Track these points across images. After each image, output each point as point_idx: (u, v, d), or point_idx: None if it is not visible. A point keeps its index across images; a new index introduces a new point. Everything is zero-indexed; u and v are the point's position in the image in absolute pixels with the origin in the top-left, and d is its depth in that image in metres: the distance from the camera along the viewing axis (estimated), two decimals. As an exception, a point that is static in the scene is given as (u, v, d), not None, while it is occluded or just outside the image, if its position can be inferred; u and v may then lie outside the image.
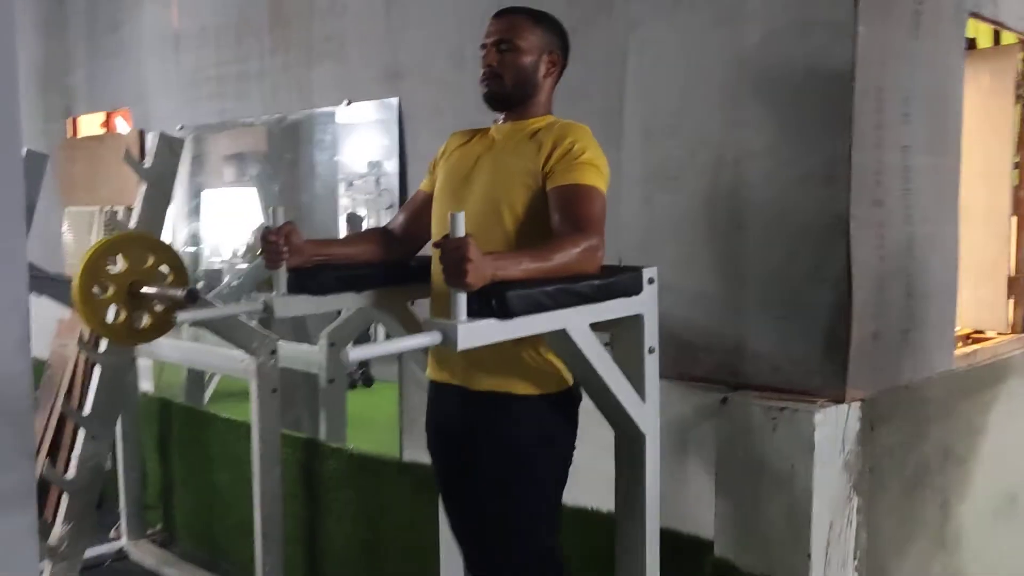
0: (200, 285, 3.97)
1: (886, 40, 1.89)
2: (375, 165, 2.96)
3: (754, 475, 1.88)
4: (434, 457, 1.89)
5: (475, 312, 1.39)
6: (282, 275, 1.73)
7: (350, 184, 3.11)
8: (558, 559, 1.82)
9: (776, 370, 1.96)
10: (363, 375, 3.82)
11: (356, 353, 1.30)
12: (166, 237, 4.03)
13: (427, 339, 1.36)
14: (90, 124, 4.46)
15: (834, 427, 1.84)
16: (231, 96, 3.40)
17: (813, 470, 1.80)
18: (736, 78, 1.98)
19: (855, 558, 1.92)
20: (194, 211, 3.92)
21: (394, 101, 2.73)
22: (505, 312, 1.40)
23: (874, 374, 1.94)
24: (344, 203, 3.17)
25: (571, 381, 1.75)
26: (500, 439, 1.72)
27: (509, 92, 1.76)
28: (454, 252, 1.34)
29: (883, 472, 1.99)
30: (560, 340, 1.57)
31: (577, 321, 1.55)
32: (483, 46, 1.78)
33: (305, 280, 1.74)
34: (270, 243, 1.68)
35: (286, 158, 3.35)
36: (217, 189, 3.90)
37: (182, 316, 1.80)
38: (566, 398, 1.76)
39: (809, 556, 1.81)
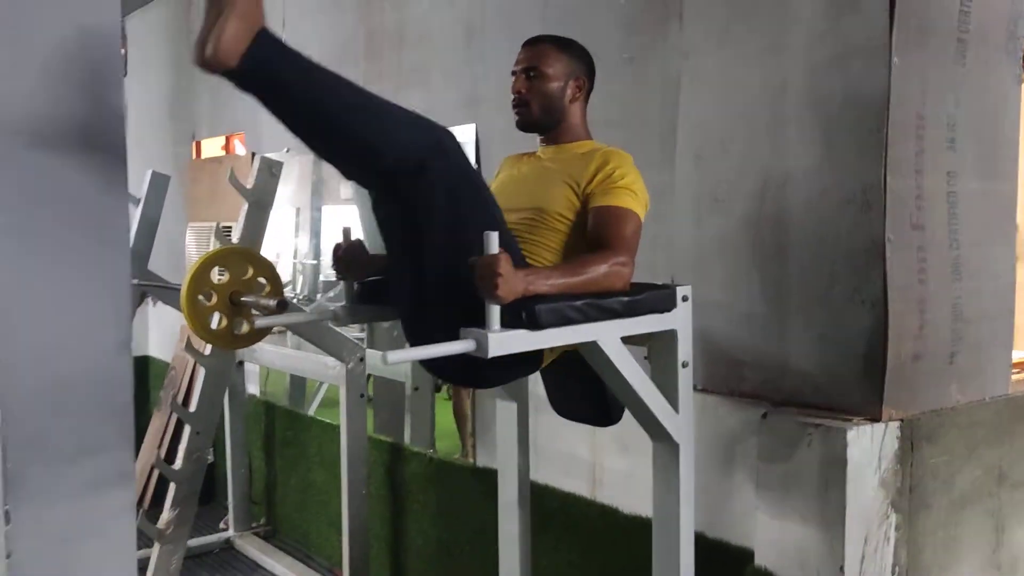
0: (319, 295, 4.27)
1: (925, 69, 1.93)
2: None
3: (791, 488, 1.95)
4: None
5: (507, 323, 1.53)
6: (350, 287, 1.92)
7: None
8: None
9: (817, 388, 2.03)
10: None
11: (394, 356, 1.46)
12: (289, 250, 4.37)
13: (461, 346, 1.51)
14: (212, 147, 4.84)
15: (869, 445, 1.89)
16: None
17: (846, 486, 1.86)
18: (780, 106, 2.06)
19: (893, 573, 1.96)
20: (315, 227, 4.21)
21: (472, 127, 2.92)
22: (534, 324, 1.54)
23: (915, 395, 1.98)
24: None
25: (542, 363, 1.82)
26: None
27: (537, 119, 1.90)
28: (486, 268, 1.47)
29: (926, 491, 2.01)
30: (593, 351, 1.69)
31: (608, 334, 1.67)
32: (513, 73, 1.93)
33: (369, 291, 1.93)
34: (340, 257, 1.88)
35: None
36: (333, 206, 4.19)
37: (259, 322, 2.01)
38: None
39: (842, 569, 1.87)
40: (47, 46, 1.72)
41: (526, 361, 1.76)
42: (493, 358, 1.49)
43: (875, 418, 1.92)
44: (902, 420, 1.95)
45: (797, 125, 2.03)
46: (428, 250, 1.63)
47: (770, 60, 2.08)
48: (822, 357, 2.01)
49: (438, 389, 3.87)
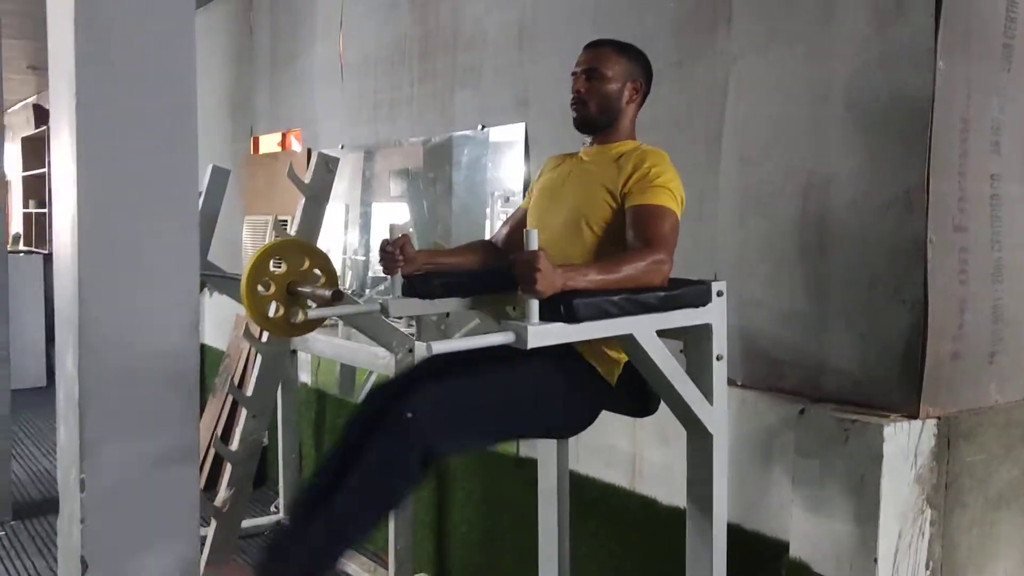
0: (368, 290, 4.39)
1: (971, 74, 1.96)
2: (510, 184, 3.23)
3: (826, 482, 1.99)
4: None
5: (546, 316, 1.60)
6: (397, 280, 2.01)
7: (506, 200, 3.38)
8: (434, 456, 1.71)
9: (856, 385, 2.07)
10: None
11: (437, 346, 1.55)
12: (339, 245, 4.49)
13: (501, 337, 1.59)
14: (269, 142, 4.99)
15: (905, 441, 1.93)
16: (384, 119, 3.78)
17: (881, 481, 1.90)
18: (825, 109, 2.10)
19: (927, 568, 1.99)
20: (365, 223, 4.33)
21: (521, 127, 3.00)
22: (572, 317, 1.61)
23: (953, 393, 2.01)
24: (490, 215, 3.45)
25: (612, 382, 1.93)
26: (536, 349, 1.68)
27: (595, 117, 1.97)
28: (525, 264, 1.55)
29: (963, 488, 2.04)
30: (629, 344, 1.76)
31: (644, 328, 1.73)
32: (573, 74, 2.01)
33: (416, 285, 2.01)
34: (387, 253, 1.97)
35: (429, 176, 3.68)
36: (383, 203, 4.30)
37: (312, 313, 2.12)
38: (601, 385, 1.91)
39: (876, 561, 1.91)
40: (132, 45, 1.83)
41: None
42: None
43: (912, 415, 1.95)
44: (939, 418, 1.98)
45: (841, 127, 2.07)
46: None
47: (815, 63, 2.12)
48: (861, 355, 2.05)
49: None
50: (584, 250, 1.90)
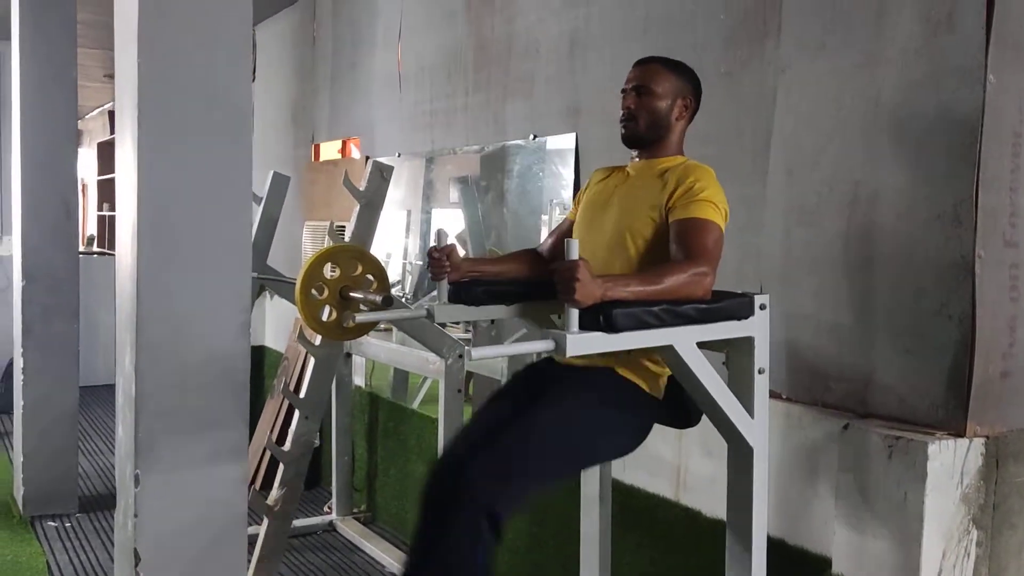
0: (426, 296, 4.45)
1: (1023, 88, 1.92)
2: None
3: (870, 499, 1.97)
4: (511, 377, 2.09)
5: (585, 325, 1.62)
6: (443, 287, 2.05)
7: (563, 208, 3.40)
8: (504, 513, 1.78)
9: (901, 401, 2.04)
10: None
11: (478, 352, 1.58)
12: (399, 251, 4.57)
13: (542, 345, 1.61)
14: (329, 150, 5.10)
15: (951, 460, 1.90)
16: (440, 127, 3.84)
17: (925, 499, 1.87)
18: (873, 121, 2.08)
19: (972, 591, 1.95)
20: (425, 229, 4.40)
21: (571, 136, 3.02)
22: (611, 327, 1.63)
23: (1003, 412, 1.97)
24: (546, 221, 3.47)
25: (660, 396, 1.94)
26: (571, 384, 1.87)
27: (643, 133, 1.99)
28: (565, 273, 1.58)
29: (1011, 511, 2.00)
30: (670, 355, 1.77)
31: (684, 339, 1.74)
32: (623, 91, 2.03)
33: (461, 292, 2.05)
34: (434, 259, 2.02)
35: (483, 184, 3.73)
36: (442, 209, 4.37)
37: (361, 317, 2.17)
38: (647, 400, 1.93)
39: (918, 581, 1.88)
40: (192, 59, 1.92)
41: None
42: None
43: (959, 434, 1.92)
44: (987, 437, 1.94)
45: (889, 140, 2.05)
46: None
47: (864, 76, 2.10)
48: (907, 371, 2.02)
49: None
50: (628, 265, 1.92)
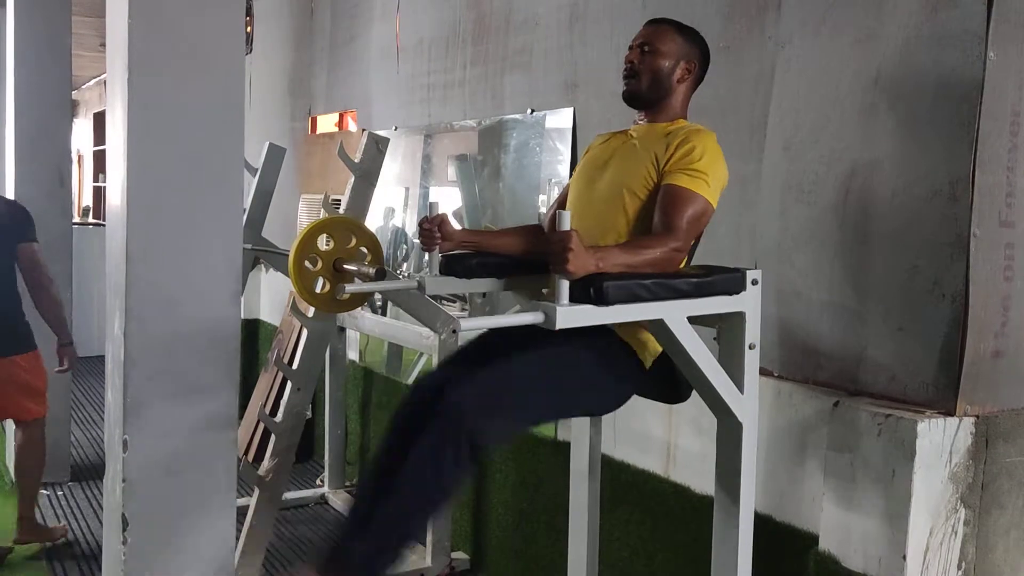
0: (423, 272, 4.44)
1: (1023, 64, 1.91)
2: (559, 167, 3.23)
3: (858, 476, 1.97)
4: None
5: (576, 298, 1.61)
6: (435, 258, 2.04)
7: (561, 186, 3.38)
8: (488, 440, 1.73)
9: (892, 380, 2.04)
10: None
11: (467, 323, 1.57)
12: (395, 227, 4.55)
13: (531, 317, 1.60)
14: (327, 122, 5.07)
15: (940, 439, 1.90)
16: (437, 101, 3.81)
17: (913, 477, 1.87)
18: (871, 98, 2.07)
19: (959, 568, 1.96)
20: (423, 206, 4.37)
21: (569, 111, 3.00)
22: (601, 300, 1.62)
23: (994, 392, 1.97)
24: (543, 200, 3.45)
25: (647, 365, 1.93)
26: (578, 331, 1.71)
27: (643, 91, 1.97)
28: (558, 244, 1.57)
29: (1000, 490, 2.00)
30: (660, 329, 1.76)
31: (675, 313, 1.73)
32: (630, 47, 2.01)
33: (453, 264, 2.04)
34: (425, 230, 2.00)
35: (479, 160, 3.71)
36: (440, 187, 4.34)
37: (352, 288, 2.16)
38: (637, 367, 1.92)
39: (905, 558, 1.88)
40: (184, 26, 1.89)
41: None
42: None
43: (949, 413, 1.92)
44: (978, 416, 1.94)
45: (887, 117, 2.04)
46: None
47: (864, 51, 2.08)
48: (899, 349, 2.02)
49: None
50: (625, 223, 1.90)
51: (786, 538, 2.20)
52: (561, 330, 1.58)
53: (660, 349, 1.94)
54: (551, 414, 2.02)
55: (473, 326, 1.63)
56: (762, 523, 1.99)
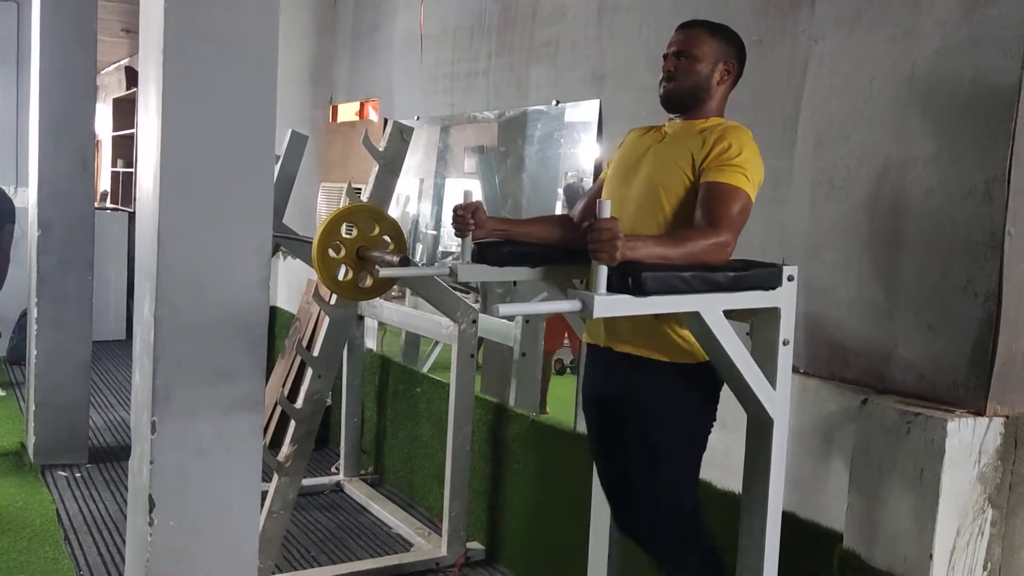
0: (452, 260, 4.44)
1: (1062, 62, 1.89)
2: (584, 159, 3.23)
3: (885, 475, 1.96)
4: (587, 415, 2.15)
5: (613, 287, 1.61)
6: (467, 245, 2.04)
7: (579, 180, 3.39)
8: (702, 527, 2.05)
9: (922, 378, 2.03)
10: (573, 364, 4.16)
11: (505, 309, 1.57)
12: (411, 218, 4.56)
13: (569, 305, 1.60)
14: (347, 111, 5.07)
15: (969, 438, 1.89)
16: (460, 91, 3.81)
17: (941, 476, 1.86)
18: (907, 94, 2.05)
19: (985, 569, 1.95)
20: (438, 197, 4.38)
21: (595, 103, 2.99)
22: (639, 290, 1.61)
23: (1024, 393, 1.96)
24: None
25: (703, 356, 1.93)
26: (638, 400, 1.94)
27: (683, 96, 1.97)
28: (604, 232, 1.55)
29: (1028, 492, 1.99)
30: (695, 321, 1.76)
31: (711, 306, 1.73)
32: (664, 55, 2.00)
33: (485, 252, 2.04)
34: (458, 216, 2.00)
35: (501, 151, 3.70)
36: (457, 178, 4.34)
37: (384, 272, 2.16)
38: (701, 371, 1.93)
39: (931, 557, 1.88)
40: (218, 14, 1.89)
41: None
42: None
43: (979, 412, 1.91)
44: (1008, 417, 1.93)
45: (922, 113, 2.02)
46: None
47: (899, 47, 2.07)
48: (929, 347, 2.01)
49: (561, 372, 4.03)
50: (657, 221, 1.90)
51: (810, 535, 2.19)
52: (637, 407, 1.91)
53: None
54: (695, 471, 2.12)
55: (511, 312, 1.63)
56: (786, 520, 1.98)
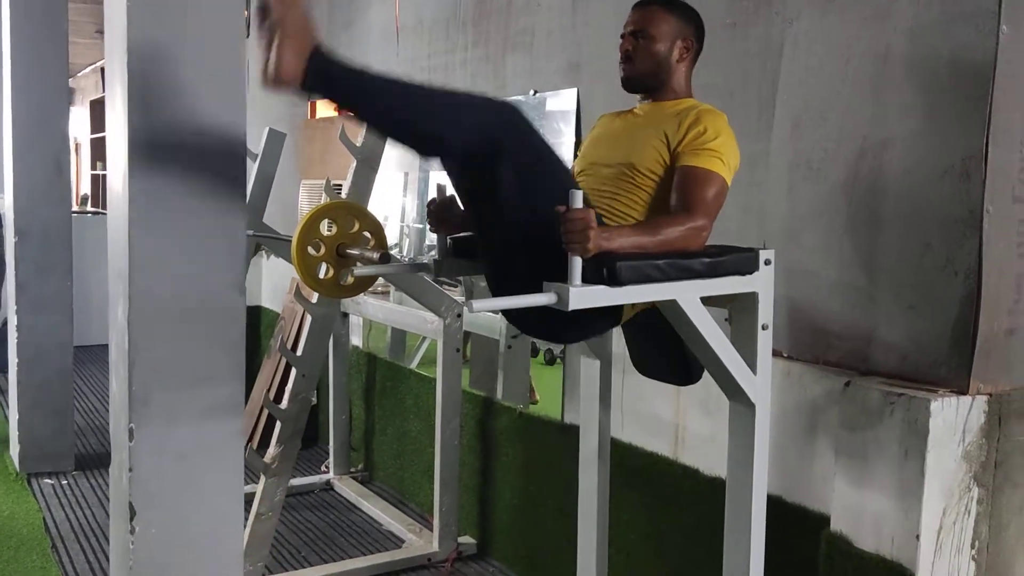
0: (423, 258, 4.41)
1: (1037, 37, 1.88)
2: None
3: (870, 456, 1.95)
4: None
5: (588, 278, 1.59)
6: (444, 240, 2.02)
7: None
8: None
9: (904, 359, 2.02)
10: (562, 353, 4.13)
11: (478, 304, 1.55)
12: (396, 213, 4.52)
13: (544, 298, 1.58)
14: (326, 107, 5.03)
15: (953, 417, 1.88)
16: (438, 83, 3.77)
17: (926, 456, 1.86)
18: (882, 74, 2.04)
19: (972, 547, 1.95)
20: (423, 190, 4.34)
21: (573, 92, 2.97)
22: (614, 280, 1.59)
23: (1007, 370, 1.95)
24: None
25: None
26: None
27: (642, 77, 1.94)
28: (578, 222, 1.51)
29: (1013, 468, 1.99)
30: (672, 309, 1.74)
31: (688, 294, 1.71)
32: (622, 35, 1.98)
33: (463, 246, 2.02)
34: (432, 212, 1.98)
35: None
36: (440, 171, 4.29)
37: (359, 271, 2.14)
38: None
39: (918, 538, 1.87)
40: (183, 9, 1.86)
41: (604, 317, 1.83)
42: (571, 312, 1.56)
43: (962, 391, 1.90)
44: (991, 395, 1.93)
45: (898, 93, 2.01)
46: (506, 219, 1.73)
47: (874, 26, 2.05)
48: (910, 328, 2.00)
49: (534, 354, 3.98)
50: (631, 201, 1.88)
51: (797, 519, 2.19)
52: None
53: None
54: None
55: (484, 307, 1.61)
56: (773, 504, 1.97)
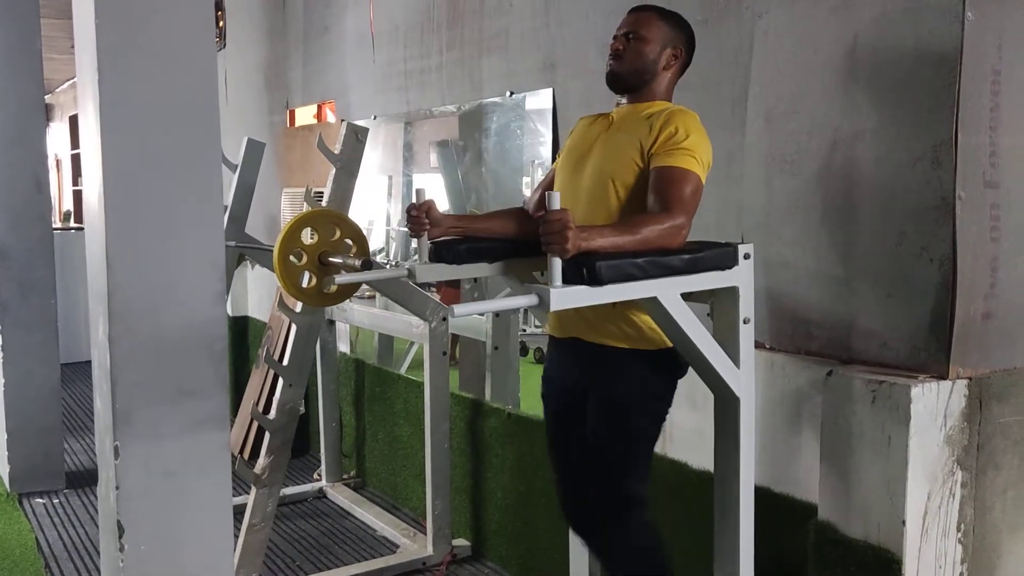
0: (410, 261, 4.41)
1: (1002, 24, 1.89)
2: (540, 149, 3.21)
3: (854, 444, 1.97)
4: (545, 403, 2.15)
5: (568, 279, 1.60)
6: (424, 245, 2.03)
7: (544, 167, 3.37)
8: (644, 504, 2.05)
9: (884, 346, 2.04)
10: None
11: (460, 309, 1.56)
12: (382, 217, 4.52)
13: (525, 300, 1.59)
14: (305, 115, 5.02)
15: (934, 402, 1.90)
16: (415, 88, 3.78)
17: (909, 442, 1.87)
18: (851, 64, 2.06)
19: (959, 530, 1.97)
20: (407, 194, 4.35)
21: (549, 91, 2.98)
22: (595, 280, 1.61)
23: (986, 354, 1.97)
24: (527, 182, 3.44)
25: (669, 343, 1.93)
26: (603, 391, 1.95)
27: (626, 76, 1.98)
28: (555, 223, 1.55)
29: (995, 451, 2.01)
30: (654, 307, 1.75)
31: (668, 291, 1.73)
32: (615, 36, 2.01)
33: (442, 250, 2.03)
34: (412, 216, 1.99)
35: (461, 145, 3.68)
36: (423, 174, 4.30)
37: (341, 279, 2.14)
38: (665, 357, 1.94)
39: (904, 523, 1.89)
40: (153, 21, 1.86)
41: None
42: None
43: (942, 376, 1.92)
44: (971, 379, 1.95)
45: (867, 83, 2.03)
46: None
47: (841, 17, 2.07)
48: (889, 315, 2.02)
49: (523, 353, 3.99)
50: (610, 210, 1.90)
51: (785, 509, 2.20)
52: (600, 392, 1.91)
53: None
54: (649, 454, 2.11)
55: (468, 311, 1.62)
56: (760, 495, 1.99)
